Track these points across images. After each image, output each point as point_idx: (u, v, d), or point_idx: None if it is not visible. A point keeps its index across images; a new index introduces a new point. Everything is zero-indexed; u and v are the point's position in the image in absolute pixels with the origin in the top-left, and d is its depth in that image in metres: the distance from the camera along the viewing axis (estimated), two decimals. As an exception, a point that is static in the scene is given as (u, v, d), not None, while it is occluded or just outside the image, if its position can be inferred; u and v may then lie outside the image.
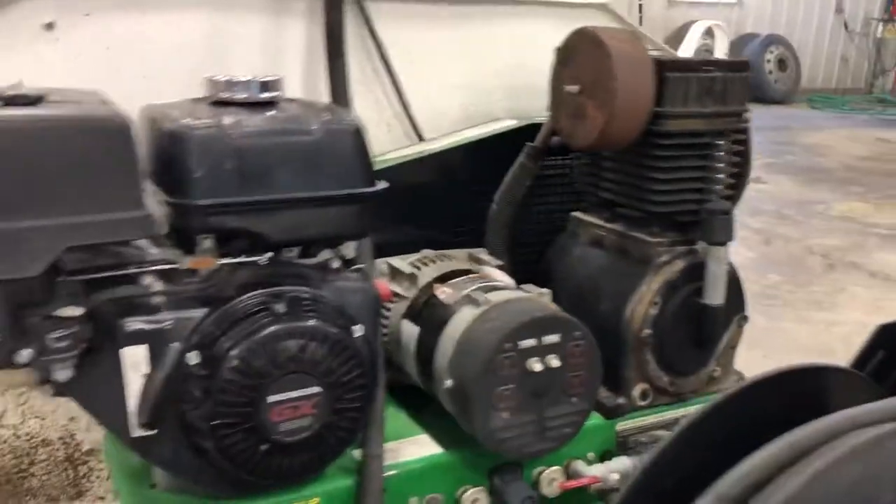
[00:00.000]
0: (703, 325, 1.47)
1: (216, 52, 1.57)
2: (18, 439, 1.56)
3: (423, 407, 1.45)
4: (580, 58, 1.42)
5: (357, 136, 1.18)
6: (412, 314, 1.44)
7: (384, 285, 1.30)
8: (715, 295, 1.44)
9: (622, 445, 1.49)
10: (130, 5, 1.49)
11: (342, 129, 1.17)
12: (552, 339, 1.29)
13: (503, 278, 1.48)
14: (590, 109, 1.39)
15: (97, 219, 0.99)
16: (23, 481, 1.58)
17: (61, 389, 1.07)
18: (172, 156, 1.09)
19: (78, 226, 0.98)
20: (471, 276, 1.47)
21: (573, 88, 1.41)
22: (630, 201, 1.50)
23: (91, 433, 1.62)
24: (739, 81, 1.44)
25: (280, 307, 1.13)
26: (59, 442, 1.60)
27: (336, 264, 1.26)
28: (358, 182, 1.18)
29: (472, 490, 1.35)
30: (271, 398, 1.10)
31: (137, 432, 1.11)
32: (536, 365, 1.27)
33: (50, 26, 1.43)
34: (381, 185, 1.21)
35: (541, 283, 1.62)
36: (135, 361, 1.09)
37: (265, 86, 1.20)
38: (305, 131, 1.14)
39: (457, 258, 1.58)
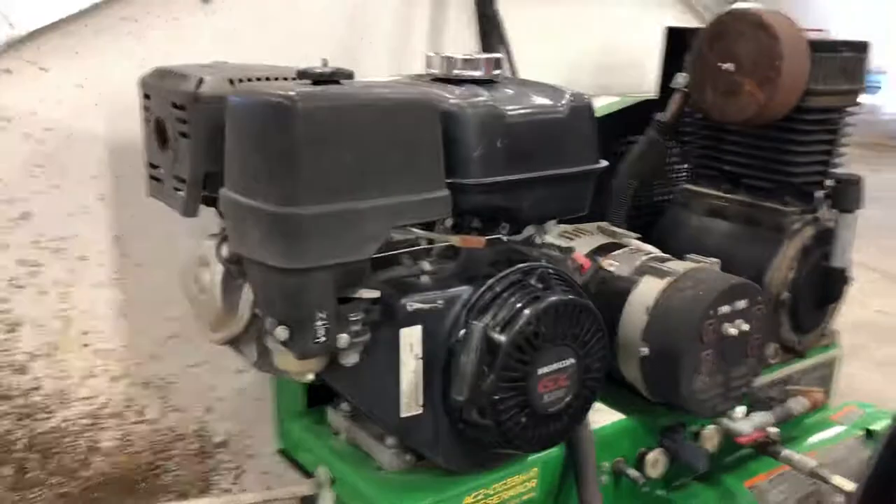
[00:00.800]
0: (831, 286, 1.59)
1: (356, 25, 1.54)
2: (157, 433, 1.49)
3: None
4: (734, 36, 1.49)
5: (592, 112, 1.21)
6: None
7: (583, 257, 1.34)
8: (844, 258, 1.57)
9: (755, 400, 1.61)
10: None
11: (583, 105, 1.19)
12: (742, 304, 1.37)
13: (654, 250, 1.54)
14: (748, 86, 1.47)
15: (416, 199, 0.98)
16: (156, 479, 1.51)
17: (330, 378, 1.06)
18: (450, 136, 1.08)
19: (403, 206, 0.97)
20: (627, 248, 1.52)
21: (729, 66, 1.49)
22: (761, 173, 1.60)
23: (223, 424, 1.57)
24: (861, 61, 1.57)
25: (535, 282, 1.15)
26: (194, 435, 1.54)
27: (538, 240, 1.29)
28: (592, 158, 1.22)
29: (653, 451, 1.43)
30: (540, 370, 1.12)
31: (405, 413, 1.11)
32: (731, 329, 1.35)
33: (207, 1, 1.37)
34: (604, 162, 1.25)
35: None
36: (411, 342, 1.08)
37: (495, 63, 1.20)
38: (557, 109, 1.16)
39: (590, 231, 1.62)
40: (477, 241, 1.12)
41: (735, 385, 1.40)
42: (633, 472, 1.40)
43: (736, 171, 1.65)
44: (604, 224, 1.66)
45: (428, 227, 1.14)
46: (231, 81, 1.06)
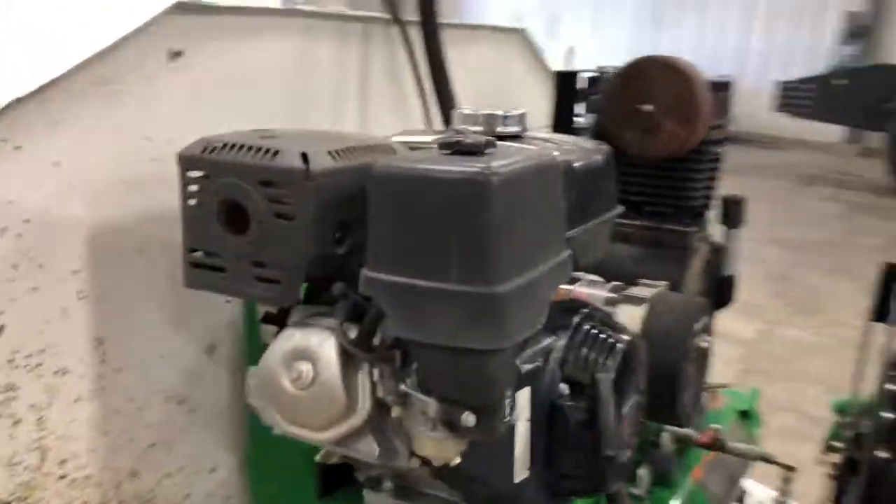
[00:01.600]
0: (725, 291, 1.83)
1: (300, 76, 1.44)
2: None
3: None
4: (649, 81, 1.65)
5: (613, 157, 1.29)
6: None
7: (583, 294, 1.41)
8: (734, 266, 1.82)
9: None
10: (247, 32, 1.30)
11: (608, 154, 1.27)
12: (705, 320, 1.53)
13: (599, 278, 1.65)
14: (668, 125, 1.64)
15: (562, 259, 0.98)
16: None
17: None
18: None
19: (558, 268, 0.96)
20: (584, 279, 1.61)
21: (647, 107, 1.65)
22: (664, 200, 1.79)
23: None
24: (729, 97, 1.83)
25: (601, 326, 1.19)
26: None
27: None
28: (616, 201, 1.29)
29: (640, 468, 1.53)
30: (624, 409, 1.17)
31: (519, 477, 1.09)
32: (703, 343, 1.50)
33: (178, 54, 1.20)
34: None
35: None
36: (522, 404, 1.07)
37: (523, 119, 1.23)
38: (597, 155, 1.22)
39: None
40: (563, 292, 1.14)
41: (700, 392, 1.56)
42: (635, 491, 1.49)
43: (638, 200, 1.83)
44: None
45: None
46: (332, 154, 0.96)
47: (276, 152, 0.94)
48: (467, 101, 1.86)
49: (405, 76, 1.68)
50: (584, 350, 1.13)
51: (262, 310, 1.11)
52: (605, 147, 1.28)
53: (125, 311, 1.17)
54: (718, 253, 1.82)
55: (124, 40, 1.11)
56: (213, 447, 1.36)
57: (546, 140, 1.25)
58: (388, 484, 1.22)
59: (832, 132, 10.30)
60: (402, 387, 0.96)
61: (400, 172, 0.87)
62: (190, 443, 1.31)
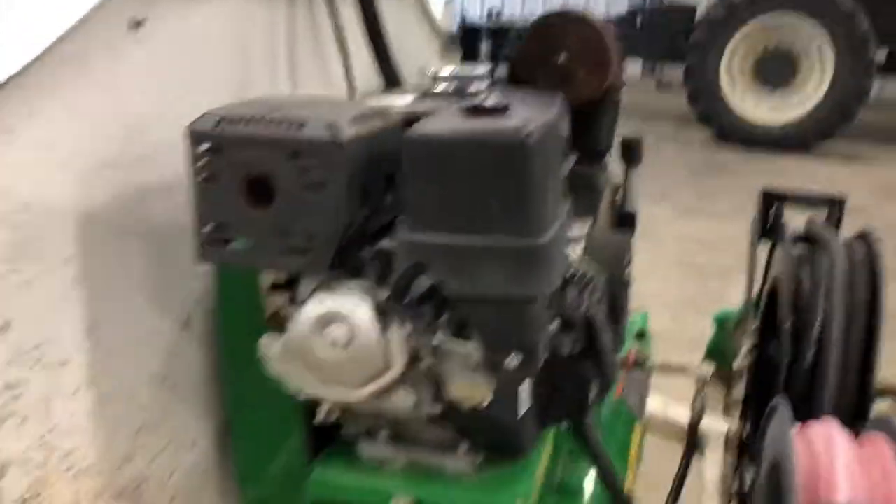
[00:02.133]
0: (629, 225, 2.00)
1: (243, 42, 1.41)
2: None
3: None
4: (564, 33, 1.75)
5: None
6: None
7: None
8: (635, 203, 1.98)
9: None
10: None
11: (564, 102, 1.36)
12: (630, 254, 1.68)
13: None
14: (582, 73, 1.75)
15: (567, 209, 1.06)
16: None
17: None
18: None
19: (567, 217, 1.05)
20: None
21: (560, 57, 1.75)
22: (575, 144, 1.91)
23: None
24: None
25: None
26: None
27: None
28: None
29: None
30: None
31: (522, 411, 1.18)
32: (629, 275, 1.65)
33: (139, 24, 1.15)
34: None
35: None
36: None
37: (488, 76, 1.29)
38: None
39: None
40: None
41: (626, 319, 1.72)
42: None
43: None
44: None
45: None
46: (352, 122, 0.98)
47: (302, 124, 0.95)
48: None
49: (326, 38, 1.68)
50: (570, 290, 1.24)
51: (266, 280, 1.13)
52: (558, 96, 1.37)
53: (112, 296, 1.14)
54: (620, 191, 1.99)
55: (89, 14, 1.06)
56: (193, 421, 1.35)
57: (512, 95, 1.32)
58: (383, 433, 1.27)
59: (632, 68, 11.04)
60: (436, 338, 1.02)
61: (441, 137, 0.92)
62: (172, 420, 1.30)
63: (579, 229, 1.63)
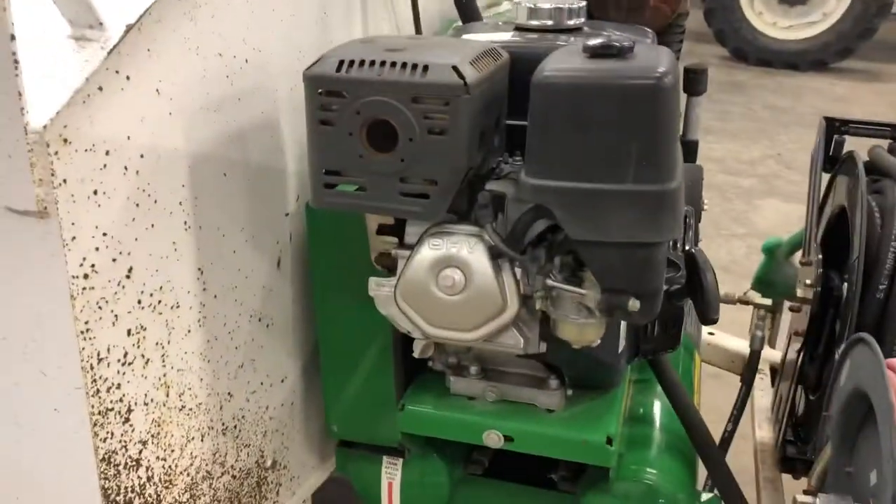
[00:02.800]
0: (692, 153, 1.98)
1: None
2: (236, 480, 1.29)
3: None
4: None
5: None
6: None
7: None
8: (696, 131, 1.97)
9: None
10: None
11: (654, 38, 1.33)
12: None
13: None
14: (653, 2, 1.71)
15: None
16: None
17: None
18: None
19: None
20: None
21: (633, -14, 1.71)
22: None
23: (275, 442, 1.41)
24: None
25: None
26: (257, 467, 1.36)
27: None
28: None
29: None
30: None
31: (621, 348, 1.21)
32: (705, 203, 1.65)
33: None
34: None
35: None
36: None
37: (582, 11, 1.26)
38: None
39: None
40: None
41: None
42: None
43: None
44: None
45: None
46: (473, 65, 0.97)
47: (426, 66, 0.94)
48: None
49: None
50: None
51: (373, 222, 1.13)
52: (644, 30, 1.35)
53: (218, 238, 1.14)
54: (683, 119, 1.97)
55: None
56: (284, 358, 1.37)
57: (606, 29, 1.29)
58: (474, 368, 1.30)
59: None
60: (549, 281, 1.03)
61: (574, 81, 0.91)
62: (267, 358, 1.32)
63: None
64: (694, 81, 1.93)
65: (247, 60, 1.16)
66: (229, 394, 1.24)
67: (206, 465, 1.21)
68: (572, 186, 0.92)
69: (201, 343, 1.15)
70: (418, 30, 1.74)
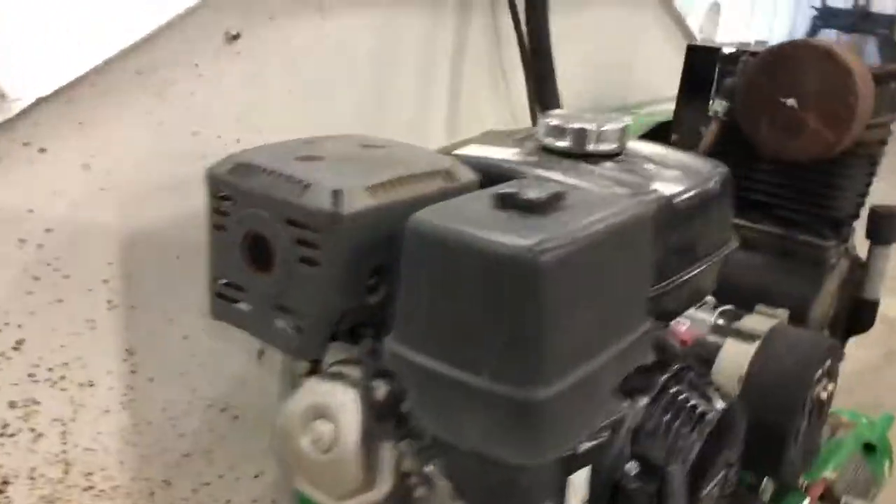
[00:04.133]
0: (862, 317, 1.57)
1: (382, 54, 1.28)
2: None
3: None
4: (798, 69, 1.39)
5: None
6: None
7: (684, 331, 1.21)
8: (876, 290, 1.55)
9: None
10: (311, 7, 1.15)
11: (724, 178, 1.06)
12: (828, 364, 1.30)
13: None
14: (813, 124, 1.38)
15: (636, 336, 0.81)
16: None
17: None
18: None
19: (628, 350, 0.79)
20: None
21: (790, 101, 1.39)
22: (798, 206, 1.54)
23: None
24: (897, 90, 1.53)
25: (688, 389, 1.01)
26: None
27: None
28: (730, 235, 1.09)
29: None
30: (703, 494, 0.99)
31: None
32: (823, 394, 1.28)
33: (235, 38, 1.06)
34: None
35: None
36: (577, 485, 0.91)
37: (622, 134, 1.03)
38: (711, 187, 1.01)
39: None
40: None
41: (814, 447, 1.35)
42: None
43: (769, 202, 1.58)
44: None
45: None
46: (371, 189, 0.81)
47: (307, 186, 0.80)
48: (581, 80, 1.65)
49: (509, 53, 1.49)
50: (665, 421, 0.96)
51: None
52: (720, 170, 1.07)
53: (161, 320, 1.08)
54: (860, 272, 1.56)
55: (172, 23, 0.99)
56: (260, 452, 1.28)
57: (648, 159, 1.04)
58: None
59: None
60: (428, 468, 0.82)
61: (438, 232, 0.71)
62: (232, 450, 1.23)
63: (760, 321, 1.29)
64: (881, 227, 1.53)
65: (239, 140, 1.09)
66: (165, 481, 1.17)
67: (127, 549, 1.15)
68: (424, 363, 0.72)
69: (125, 425, 1.09)
70: (534, 119, 1.57)
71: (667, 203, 0.92)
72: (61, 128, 0.92)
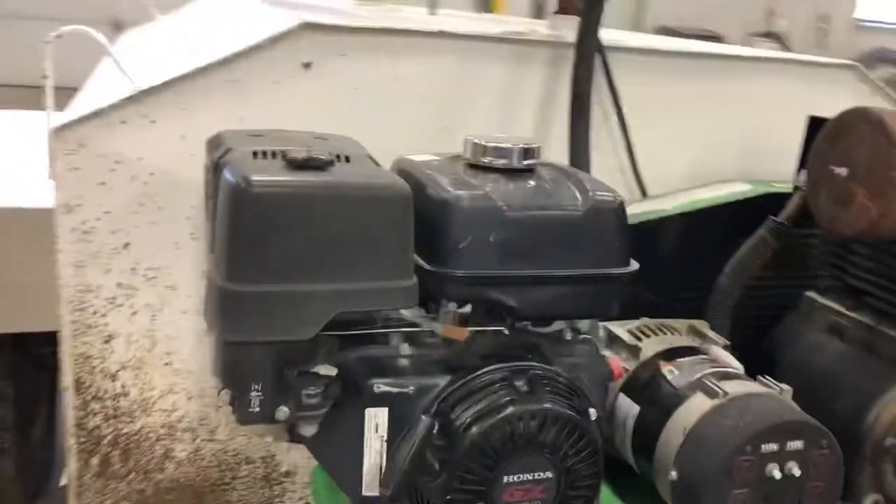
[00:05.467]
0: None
1: (458, 99, 1.57)
2: (226, 454, 1.62)
3: (629, 485, 1.40)
4: (854, 137, 1.32)
5: (620, 213, 1.14)
6: (632, 390, 1.38)
7: (618, 362, 1.25)
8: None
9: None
10: (385, 47, 1.52)
11: (606, 205, 1.13)
12: (796, 445, 1.20)
13: (733, 363, 1.40)
14: (860, 197, 1.29)
15: (369, 286, 1.00)
16: (224, 493, 1.65)
17: (301, 441, 1.10)
18: (438, 223, 1.08)
19: (351, 293, 0.99)
20: (700, 356, 1.40)
21: (841, 171, 1.32)
22: (884, 293, 1.39)
23: (290, 455, 1.66)
24: None
25: (521, 384, 1.11)
26: (261, 461, 1.65)
27: (569, 336, 1.23)
28: (617, 261, 1.14)
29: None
30: (506, 479, 1.08)
31: (367, 492, 1.12)
32: (775, 472, 1.19)
33: (308, 66, 1.48)
34: (635, 265, 1.17)
35: (763, 365, 1.54)
36: (376, 422, 1.09)
37: (526, 153, 1.17)
38: (572, 207, 1.11)
39: (678, 330, 1.51)
40: (459, 332, 1.11)
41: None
42: None
43: (859, 287, 1.44)
44: (698, 323, 1.54)
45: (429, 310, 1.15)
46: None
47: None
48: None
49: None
50: (471, 397, 1.09)
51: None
52: (604, 201, 1.13)
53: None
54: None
55: (257, 48, 1.44)
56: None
57: (535, 178, 1.16)
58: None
59: None
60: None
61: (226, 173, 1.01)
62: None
63: (739, 387, 1.25)
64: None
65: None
66: (227, 380, 1.59)
67: (192, 423, 1.59)
68: (209, 273, 1.03)
69: (197, 326, 1.54)
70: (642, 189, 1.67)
71: (487, 206, 1.06)
72: (168, 109, 1.42)
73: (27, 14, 4.81)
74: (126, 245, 1.47)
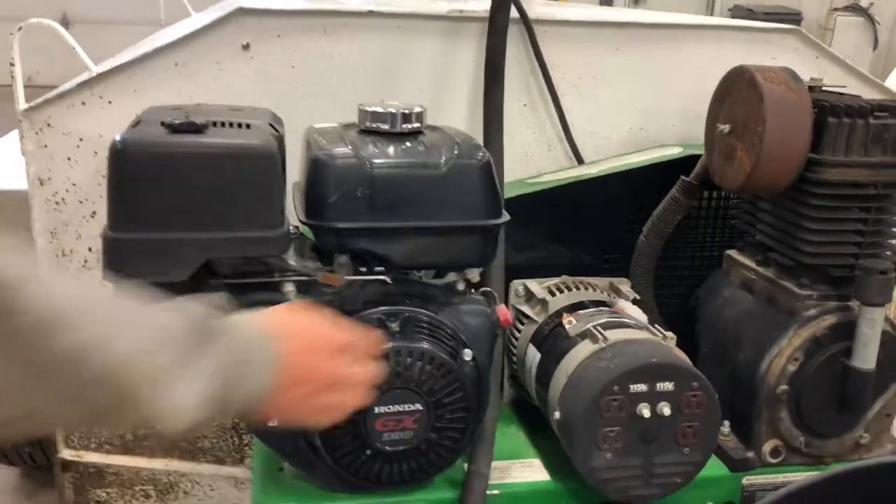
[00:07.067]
0: (848, 388, 1.37)
1: (389, 74, 1.69)
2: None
3: (542, 429, 1.49)
4: (735, 95, 1.37)
5: (485, 170, 1.24)
6: (537, 340, 1.48)
7: (504, 311, 1.35)
8: (865, 358, 1.34)
9: (747, 500, 1.44)
10: (318, 27, 1.64)
11: (470, 164, 1.23)
12: (666, 386, 1.27)
13: (635, 314, 1.47)
14: (738, 151, 1.34)
15: (236, 235, 1.13)
16: (197, 440, 1.82)
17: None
18: (313, 180, 1.20)
19: (218, 241, 1.13)
20: (601, 308, 1.47)
21: (724, 128, 1.37)
22: (782, 248, 1.43)
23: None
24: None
25: (394, 325, 1.22)
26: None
27: (461, 287, 1.33)
28: (482, 214, 1.24)
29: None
30: (376, 409, 1.19)
31: (266, 421, 1.25)
32: (645, 411, 1.26)
33: (247, 47, 1.62)
34: (505, 217, 1.26)
35: (688, 321, 1.61)
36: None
37: (407, 117, 1.28)
38: (435, 165, 1.22)
39: (597, 287, 1.59)
40: (333, 279, 1.23)
41: (661, 472, 1.30)
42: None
43: (764, 242, 1.48)
44: (618, 281, 1.61)
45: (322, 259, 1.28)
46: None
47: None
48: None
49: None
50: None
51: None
52: (469, 158, 1.22)
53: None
54: (849, 334, 1.35)
55: (200, 32, 1.59)
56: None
57: (413, 139, 1.26)
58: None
59: None
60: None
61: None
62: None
63: (620, 334, 1.33)
64: (863, 283, 1.34)
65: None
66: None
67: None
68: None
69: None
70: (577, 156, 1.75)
71: (352, 163, 1.18)
72: (122, 91, 1.59)
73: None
74: (93, 214, 1.65)
